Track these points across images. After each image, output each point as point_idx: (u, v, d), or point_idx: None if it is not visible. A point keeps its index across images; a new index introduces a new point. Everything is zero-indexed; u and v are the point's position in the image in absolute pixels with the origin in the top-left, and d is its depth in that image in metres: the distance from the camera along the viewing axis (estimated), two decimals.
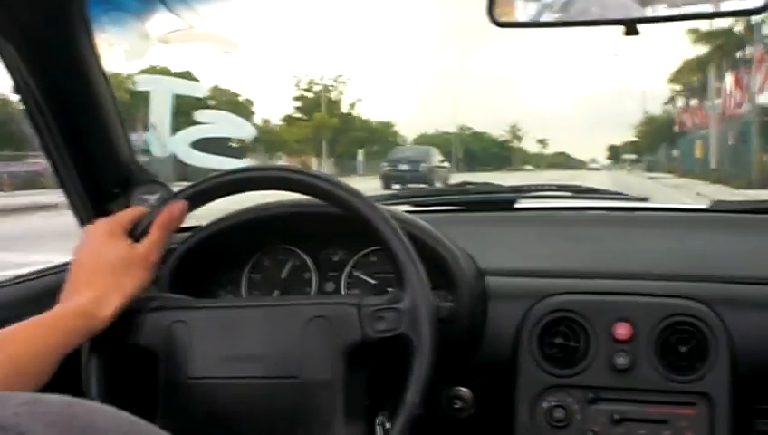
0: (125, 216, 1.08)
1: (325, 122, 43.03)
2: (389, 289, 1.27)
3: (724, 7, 1.08)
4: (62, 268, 1.29)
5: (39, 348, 0.89)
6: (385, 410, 1.06)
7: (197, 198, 1.08)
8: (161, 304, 1.06)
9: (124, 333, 1.02)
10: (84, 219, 1.30)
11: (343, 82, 48.20)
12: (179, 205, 1.07)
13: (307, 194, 1.07)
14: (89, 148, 1.28)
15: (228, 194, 1.09)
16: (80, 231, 1.32)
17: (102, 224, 1.06)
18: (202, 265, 1.26)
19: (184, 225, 1.12)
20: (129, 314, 1.01)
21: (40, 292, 0.93)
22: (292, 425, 0.99)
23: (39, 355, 0.89)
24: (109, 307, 0.98)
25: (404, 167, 22.91)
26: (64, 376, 0.90)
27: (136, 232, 1.06)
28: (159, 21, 1.43)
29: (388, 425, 1.05)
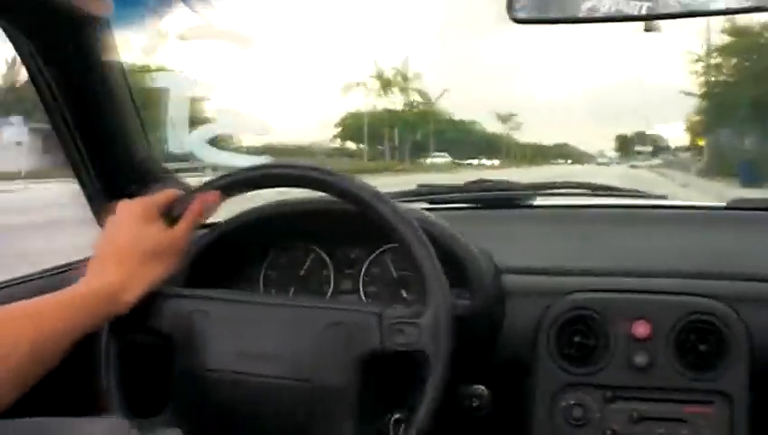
0: (160, 198, 1.05)
1: None
2: (408, 288, 1.26)
3: (745, 3, 1.07)
4: (68, 267, 1.30)
5: (61, 326, 0.87)
6: (397, 416, 1.06)
7: (228, 190, 1.08)
8: (182, 292, 1.06)
9: (144, 318, 1.01)
10: (100, 215, 1.30)
11: None
12: (213, 194, 1.05)
13: (329, 192, 1.06)
14: (106, 143, 1.28)
15: (256, 189, 1.09)
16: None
17: (138, 204, 1.04)
18: (219, 262, 1.26)
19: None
20: (150, 300, 1.01)
21: (49, 291, 0.92)
22: (301, 428, 0.99)
23: (60, 334, 0.87)
24: (134, 292, 0.97)
25: None
26: (78, 359, 0.90)
27: (170, 216, 1.04)
28: (176, 17, 1.43)
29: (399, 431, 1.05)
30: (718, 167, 24.18)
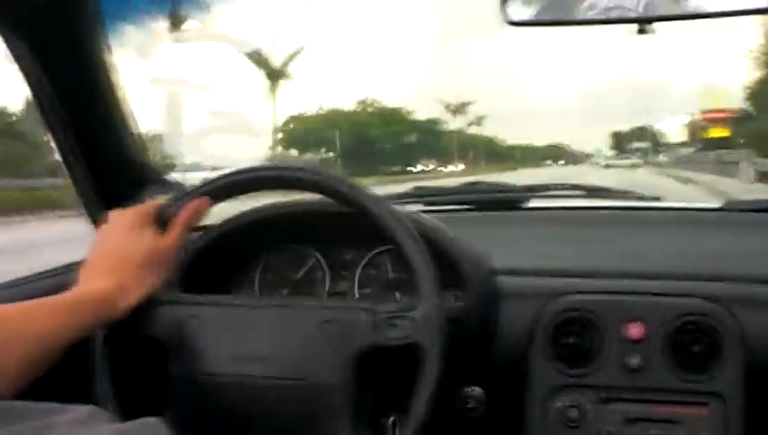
0: (150, 207, 1.06)
1: None
2: (402, 290, 1.27)
3: (738, 6, 1.08)
4: (66, 269, 1.30)
5: (58, 328, 0.87)
6: (393, 413, 1.06)
7: (218, 195, 1.08)
8: (174, 298, 1.06)
9: (137, 325, 1.01)
10: (97, 219, 1.30)
11: None
12: (202, 201, 1.06)
13: (322, 194, 1.06)
14: (101, 147, 1.29)
15: (246, 192, 1.09)
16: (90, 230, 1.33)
17: (129, 214, 1.04)
18: (214, 265, 1.26)
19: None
20: (143, 306, 1.01)
21: (45, 293, 0.93)
22: (298, 427, 0.99)
23: (57, 335, 0.86)
24: (129, 299, 0.97)
25: None
26: (73, 366, 0.90)
27: (162, 223, 1.04)
28: (171, 20, 1.44)
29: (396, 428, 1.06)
30: None
